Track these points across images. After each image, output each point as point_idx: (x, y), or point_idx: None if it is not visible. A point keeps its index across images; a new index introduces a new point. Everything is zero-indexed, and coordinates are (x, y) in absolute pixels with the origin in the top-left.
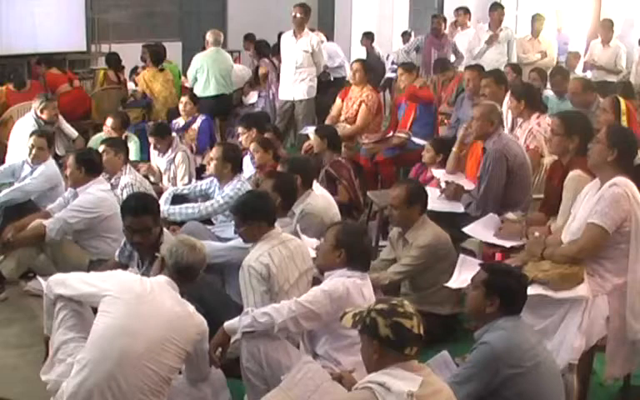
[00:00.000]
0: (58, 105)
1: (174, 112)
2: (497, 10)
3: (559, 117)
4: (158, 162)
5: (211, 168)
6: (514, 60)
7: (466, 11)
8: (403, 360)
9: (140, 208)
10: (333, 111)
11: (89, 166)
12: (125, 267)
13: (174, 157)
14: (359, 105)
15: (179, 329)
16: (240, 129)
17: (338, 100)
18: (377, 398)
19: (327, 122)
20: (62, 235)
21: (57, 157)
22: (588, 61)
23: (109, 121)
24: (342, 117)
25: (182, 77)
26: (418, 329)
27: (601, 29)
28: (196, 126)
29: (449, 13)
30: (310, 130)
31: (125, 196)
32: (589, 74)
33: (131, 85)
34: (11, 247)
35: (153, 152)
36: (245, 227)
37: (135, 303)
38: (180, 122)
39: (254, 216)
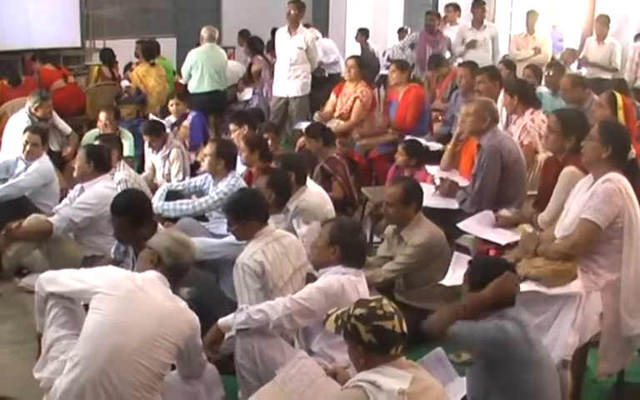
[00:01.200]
0: (53, 101)
1: (167, 108)
2: (479, 7)
3: (556, 115)
4: (153, 158)
5: (205, 165)
6: (499, 57)
7: (456, 7)
8: (390, 360)
9: (121, 208)
10: (327, 106)
11: (98, 161)
12: (119, 263)
13: (169, 154)
14: (353, 101)
15: (170, 325)
16: (232, 126)
17: (333, 96)
18: (369, 397)
19: (319, 116)
20: (68, 233)
21: (50, 153)
22: (583, 58)
23: (102, 115)
24: (336, 113)
25: (176, 75)
26: (400, 327)
27: (596, 24)
28: (187, 123)
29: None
30: (304, 126)
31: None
32: (584, 71)
33: (124, 82)
34: (14, 239)
35: (148, 149)
36: (237, 225)
37: (126, 299)
38: (171, 119)
39: (246, 214)
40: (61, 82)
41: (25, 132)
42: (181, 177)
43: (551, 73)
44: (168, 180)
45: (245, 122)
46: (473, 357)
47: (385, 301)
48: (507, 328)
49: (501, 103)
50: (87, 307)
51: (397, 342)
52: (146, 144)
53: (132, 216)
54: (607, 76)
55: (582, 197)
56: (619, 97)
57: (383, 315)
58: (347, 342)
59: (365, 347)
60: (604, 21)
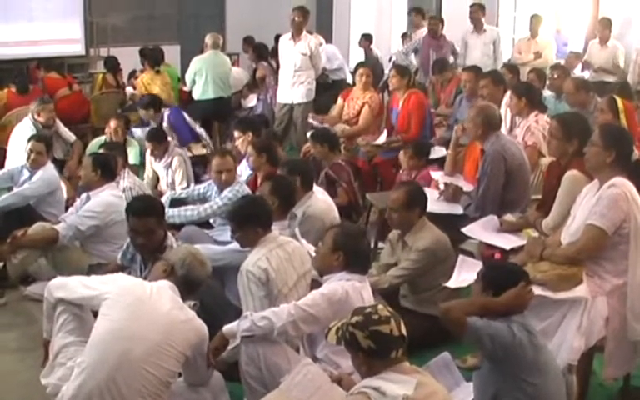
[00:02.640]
0: (57, 109)
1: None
2: (476, 10)
3: (557, 120)
4: (156, 167)
5: (224, 178)
6: (501, 60)
7: (418, 11)
8: (392, 364)
9: (143, 210)
10: (335, 111)
11: (105, 169)
12: (125, 269)
13: (171, 162)
14: (361, 106)
15: (178, 333)
16: (236, 133)
17: (340, 100)
18: None
19: (327, 122)
20: (74, 241)
21: (55, 161)
22: (586, 61)
23: (113, 123)
24: (342, 118)
25: (180, 83)
26: (398, 330)
27: (599, 27)
28: (165, 124)
29: (448, 15)
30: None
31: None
32: (587, 75)
33: (129, 89)
34: (19, 246)
35: (149, 158)
36: (241, 232)
37: (135, 307)
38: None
39: (249, 221)
40: (65, 91)
41: (29, 140)
42: (185, 184)
43: (555, 76)
44: (173, 188)
45: (249, 129)
46: (480, 358)
47: (380, 306)
48: (515, 331)
49: (505, 107)
50: (95, 314)
51: (396, 345)
52: (147, 152)
53: (159, 215)
54: (611, 79)
55: (588, 203)
56: (619, 100)
57: (379, 319)
58: (349, 351)
59: (365, 354)
60: (606, 24)
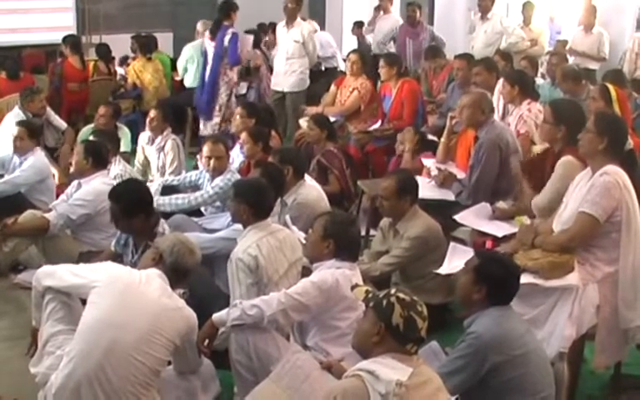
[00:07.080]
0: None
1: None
2: None
3: (550, 105)
4: (148, 150)
5: (212, 164)
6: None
7: None
8: (399, 352)
9: (113, 195)
10: (327, 98)
11: (97, 157)
12: (120, 256)
13: (164, 145)
14: (351, 92)
15: (167, 321)
16: (240, 110)
17: (333, 87)
18: (367, 386)
19: (320, 109)
20: (65, 229)
21: (46, 149)
22: (570, 48)
23: (102, 109)
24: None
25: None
26: (424, 332)
27: (584, 14)
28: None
29: (441, 2)
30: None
31: None
32: (571, 61)
33: (119, 69)
34: (10, 235)
35: (141, 141)
36: (231, 202)
37: (124, 295)
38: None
39: (240, 197)
40: (75, 86)
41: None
42: (176, 164)
43: (554, 62)
44: (163, 173)
45: (255, 115)
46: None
47: (424, 305)
48: (481, 333)
49: (497, 94)
50: (84, 302)
51: (415, 341)
52: (140, 138)
53: (124, 205)
54: (595, 66)
55: (580, 191)
56: (612, 88)
57: (421, 313)
58: (371, 316)
59: (387, 328)
60: (591, 10)
